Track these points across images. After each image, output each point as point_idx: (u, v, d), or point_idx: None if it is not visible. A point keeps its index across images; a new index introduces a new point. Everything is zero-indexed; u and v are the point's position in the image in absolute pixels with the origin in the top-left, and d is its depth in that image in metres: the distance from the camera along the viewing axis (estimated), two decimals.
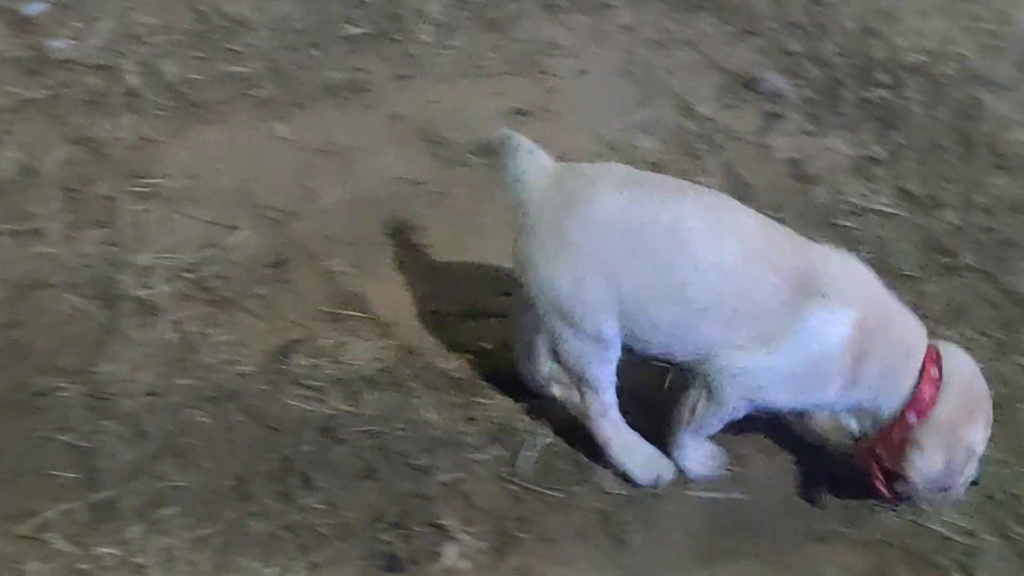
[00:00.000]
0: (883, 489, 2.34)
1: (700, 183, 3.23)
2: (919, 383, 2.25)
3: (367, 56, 3.69)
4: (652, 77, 3.67)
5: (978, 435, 2.28)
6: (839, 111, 3.58)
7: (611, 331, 2.29)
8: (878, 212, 3.21)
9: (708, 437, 2.43)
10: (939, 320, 2.80)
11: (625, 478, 2.45)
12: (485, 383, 2.65)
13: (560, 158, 3.32)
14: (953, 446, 2.25)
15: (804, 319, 2.20)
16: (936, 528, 2.43)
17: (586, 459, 2.51)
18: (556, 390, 2.46)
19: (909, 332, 2.30)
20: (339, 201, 3.15)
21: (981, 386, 2.31)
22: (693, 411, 2.36)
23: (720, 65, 3.75)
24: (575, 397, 2.42)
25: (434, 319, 2.81)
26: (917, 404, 2.25)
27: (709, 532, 2.41)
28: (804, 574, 2.35)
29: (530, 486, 2.45)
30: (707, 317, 2.23)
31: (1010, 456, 2.57)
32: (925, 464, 2.24)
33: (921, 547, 2.41)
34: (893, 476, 2.33)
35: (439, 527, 2.36)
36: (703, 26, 3.91)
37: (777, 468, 2.54)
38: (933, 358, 2.27)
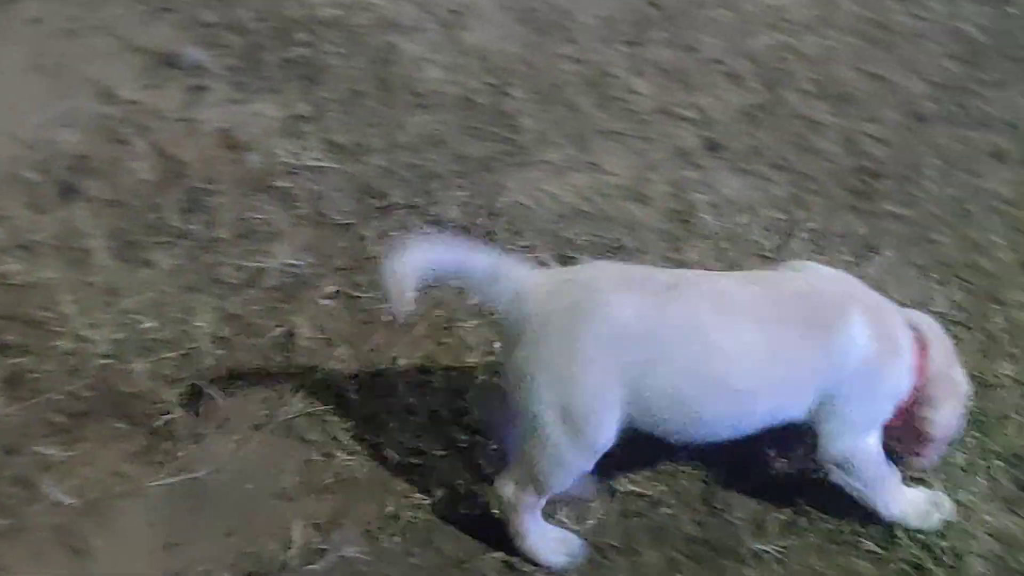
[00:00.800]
0: (912, 452, 2.45)
1: (131, 168, 3.22)
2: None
3: None
4: (67, 68, 3.53)
5: (963, 376, 2.42)
6: (263, 75, 3.60)
7: (608, 439, 2.23)
8: (311, 168, 3.27)
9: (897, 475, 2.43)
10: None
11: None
12: None
13: None
14: (957, 392, 2.39)
15: (838, 343, 2.23)
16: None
17: (31, 474, 2.39)
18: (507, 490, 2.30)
19: (888, 303, 2.40)
20: None
21: (944, 333, 2.43)
22: (862, 490, 2.38)
23: (137, 46, 3.66)
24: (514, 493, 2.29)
25: None
26: (918, 368, 2.33)
27: (173, 518, 2.37)
28: (271, 529, 2.37)
29: None
30: (761, 395, 2.24)
31: None
32: (945, 415, 2.36)
33: (382, 475, 2.49)
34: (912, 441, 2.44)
35: None
36: (116, 9, 3.80)
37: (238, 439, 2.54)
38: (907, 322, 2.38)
